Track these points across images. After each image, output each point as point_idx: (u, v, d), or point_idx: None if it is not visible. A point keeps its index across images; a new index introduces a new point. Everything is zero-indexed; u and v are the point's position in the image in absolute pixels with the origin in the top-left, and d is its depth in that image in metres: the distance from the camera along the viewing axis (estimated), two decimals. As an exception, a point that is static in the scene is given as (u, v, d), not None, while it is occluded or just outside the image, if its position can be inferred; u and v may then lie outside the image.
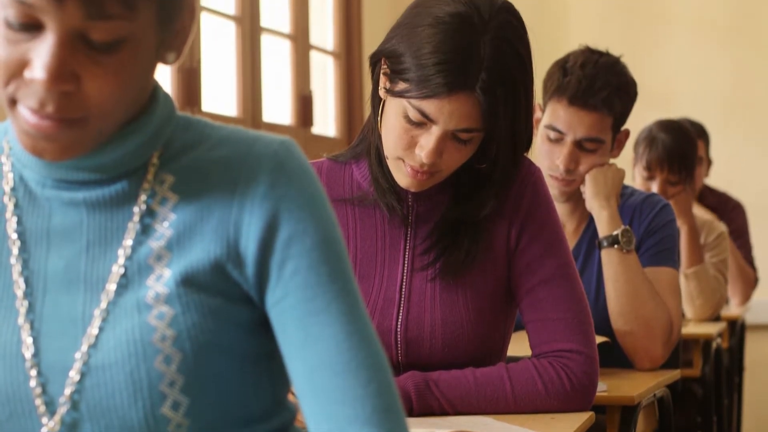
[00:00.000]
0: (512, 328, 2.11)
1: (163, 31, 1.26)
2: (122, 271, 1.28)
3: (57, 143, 1.23)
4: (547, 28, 5.56)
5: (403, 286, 2.04)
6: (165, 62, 1.29)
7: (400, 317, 2.02)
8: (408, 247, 2.06)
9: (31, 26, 1.20)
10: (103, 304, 1.28)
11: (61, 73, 1.20)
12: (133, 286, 1.28)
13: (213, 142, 1.32)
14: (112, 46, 1.21)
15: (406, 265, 2.05)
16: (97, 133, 1.25)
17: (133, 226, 1.29)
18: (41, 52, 1.20)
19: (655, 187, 4.03)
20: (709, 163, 5.09)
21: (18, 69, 1.21)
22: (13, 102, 1.23)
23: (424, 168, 1.96)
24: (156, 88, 1.33)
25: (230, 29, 4.24)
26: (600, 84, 2.74)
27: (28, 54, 1.21)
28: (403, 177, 1.99)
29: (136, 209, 1.30)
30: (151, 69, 1.28)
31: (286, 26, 4.71)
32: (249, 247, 1.28)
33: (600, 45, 2.85)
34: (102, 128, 1.25)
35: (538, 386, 1.97)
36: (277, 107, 4.68)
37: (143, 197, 1.30)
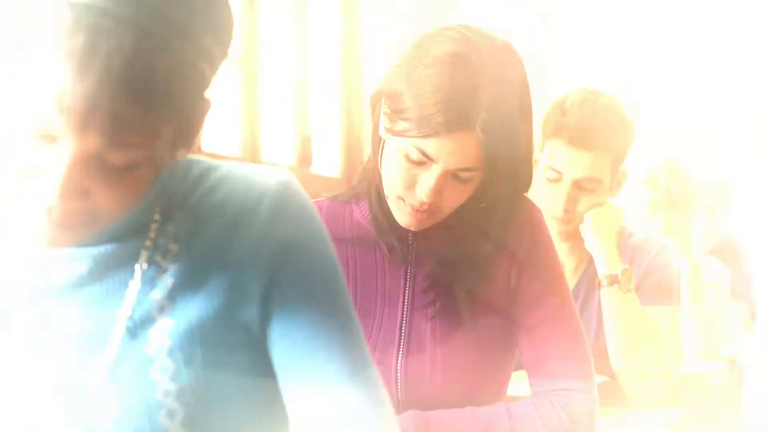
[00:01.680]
0: (512, 367, 2.11)
1: (180, 141, 1.23)
2: (123, 331, 1.26)
3: (58, 240, 1.20)
4: (546, 68, 5.57)
5: (403, 325, 2.04)
6: (175, 158, 1.25)
7: (400, 355, 2.02)
8: (408, 285, 2.06)
9: (46, 138, 1.15)
10: (105, 363, 1.26)
11: (73, 192, 1.15)
12: (135, 340, 1.26)
13: (210, 185, 1.30)
14: (129, 168, 1.17)
15: (406, 303, 2.05)
16: (102, 227, 1.22)
17: (134, 283, 1.27)
18: (54, 167, 1.14)
19: (657, 227, 4.04)
20: None
21: (28, 172, 1.16)
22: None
23: (425, 207, 1.96)
24: None
25: (231, 68, 4.25)
26: (598, 124, 2.75)
27: (40, 164, 1.15)
28: (403, 216, 1.99)
29: (137, 266, 1.28)
30: (163, 167, 1.23)
31: (288, 65, 4.73)
32: (253, 289, 1.26)
33: (598, 84, 2.86)
34: (109, 223, 1.22)
35: (538, 425, 1.97)
36: (278, 146, 4.69)
37: (145, 253, 1.28)
